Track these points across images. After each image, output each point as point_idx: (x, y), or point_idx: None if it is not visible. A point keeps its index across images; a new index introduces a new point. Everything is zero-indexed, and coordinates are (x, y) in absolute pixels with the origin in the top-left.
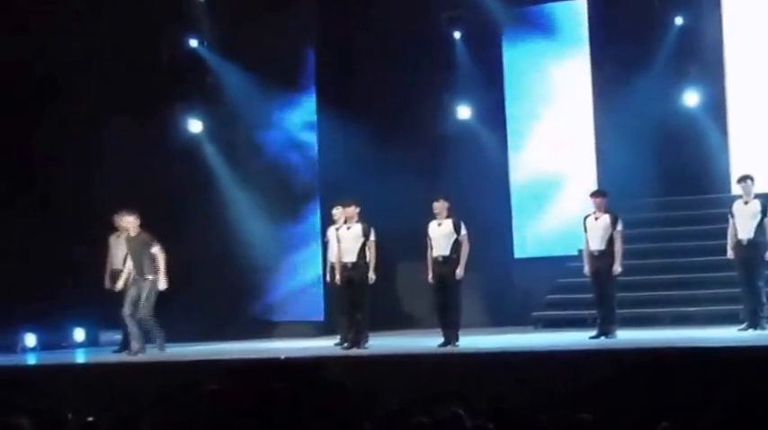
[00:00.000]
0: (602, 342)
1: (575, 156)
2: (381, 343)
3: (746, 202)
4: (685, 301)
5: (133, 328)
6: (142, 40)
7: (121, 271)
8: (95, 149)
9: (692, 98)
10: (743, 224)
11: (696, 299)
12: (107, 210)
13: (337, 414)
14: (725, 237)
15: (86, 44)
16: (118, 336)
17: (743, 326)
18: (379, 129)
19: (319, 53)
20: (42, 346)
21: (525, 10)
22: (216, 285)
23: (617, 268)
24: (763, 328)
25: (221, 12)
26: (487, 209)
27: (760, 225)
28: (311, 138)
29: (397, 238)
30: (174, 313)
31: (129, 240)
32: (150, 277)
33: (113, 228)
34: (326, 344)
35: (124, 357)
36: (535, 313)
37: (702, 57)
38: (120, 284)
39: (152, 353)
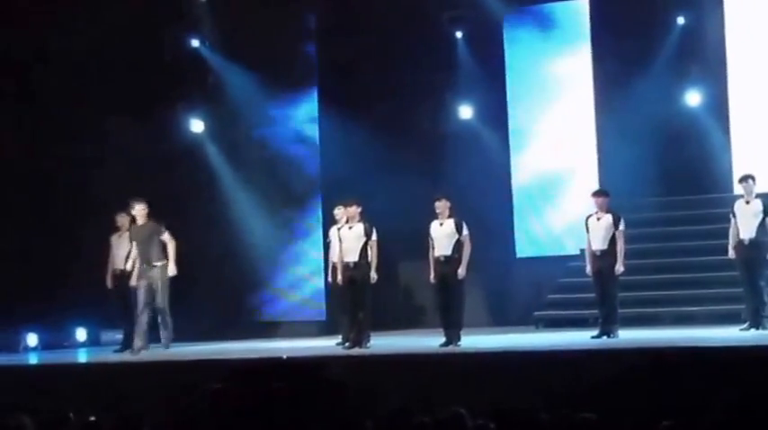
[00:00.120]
0: (604, 341)
1: (576, 155)
2: (383, 342)
3: (748, 202)
4: (687, 301)
5: (141, 326)
6: (144, 39)
7: (123, 270)
8: (97, 149)
9: (693, 98)
10: (744, 224)
11: (698, 298)
12: (109, 209)
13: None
14: (726, 236)
15: (87, 43)
16: (119, 336)
17: (745, 325)
18: (381, 129)
19: (321, 53)
20: (44, 346)
21: (527, 9)
22: (217, 285)
23: (619, 268)
24: (764, 328)
25: (222, 11)
26: (489, 208)
27: (761, 224)
28: (313, 137)
29: (399, 238)
30: (176, 313)
31: (137, 229)
32: (159, 264)
33: (115, 228)
34: (328, 344)
35: (126, 357)
36: (537, 313)
37: (704, 56)
38: (133, 280)
39: (153, 353)
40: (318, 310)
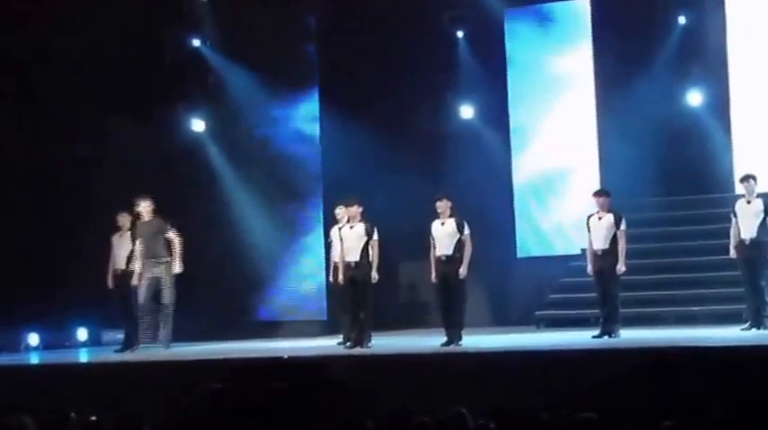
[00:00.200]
0: (605, 341)
1: (577, 155)
2: (384, 342)
3: (749, 202)
4: (688, 301)
5: (150, 319)
6: (144, 39)
7: (124, 270)
8: (98, 149)
9: (695, 98)
10: (746, 223)
11: (699, 298)
12: (110, 209)
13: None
14: (728, 236)
15: (88, 43)
16: (120, 336)
17: (746, 325)
18: (382, 129)
19: (322, 53)
20: (45, 346)
21: (528, 9)
22: (219, 285)
23: (621, 268)
24: (765, 328)
25: (223, 11)
26: (490, 208)
27: (763, 224)
28: (314, 137)
29: (400, 238)
30: (177, 312)
31: (142, 225)
32: (164, 260)
33: (116, 228)
34: (329, 344)
35: (127, 356)
36: (538, 312)
37: (705, 56)
38: (134, 280)
39: (154, 353)
40: (319, 310)
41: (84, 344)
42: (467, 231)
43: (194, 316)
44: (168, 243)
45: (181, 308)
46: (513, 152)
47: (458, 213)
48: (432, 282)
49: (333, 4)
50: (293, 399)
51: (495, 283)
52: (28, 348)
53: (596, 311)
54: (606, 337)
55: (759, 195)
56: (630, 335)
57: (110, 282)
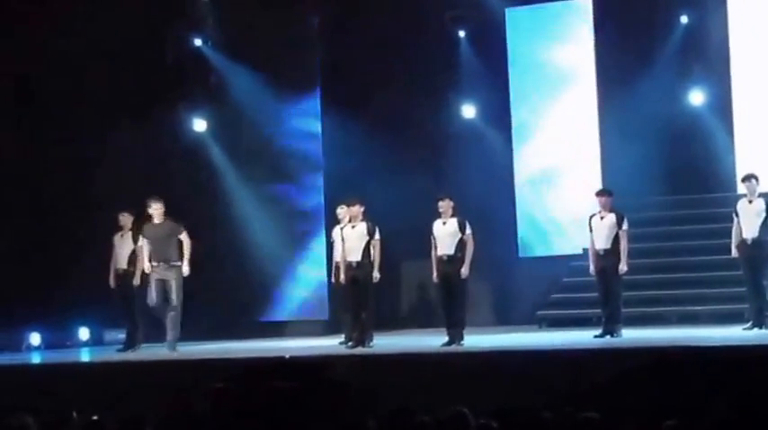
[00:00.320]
0: (607, 341)
1: (579, 154)
2: (386, 342)
3: (751, 201)
4: (690, 300)
5: (168, 318)
6: (146, 38)
7: (126, 270)
8: (100, 148)
9: (697, 97)
10: (747, 223)
11: (701, 298)
12: (111, 209)
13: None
14: (730, 236)
15: (89, 43)
16: (122, 335)
17: (748, 325)
18: (384, 129)
19: (323, 52)
20: (47, 345)
21: (529, 8)
22: (220, 284)
23: (623, 267)
24: (767, 327)
25: (225, 10)
26: (492, 208)
27: (764, 224)
28: (316, 137)
29: (402, 237)
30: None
31: (154, 227)
32: (176, 264)
33: (118, 227)
34: (331, 343)
35: (129, 356)
36: (540, 312)
37: (708, 55)
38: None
39: (157, 353)
40: (321, 310)
41: (85, 344)
42: (468, 231)
43: (196, 315)
44: (180, 245)
45: (183, 307)
46: (514, 151)
47: (459, 213)
48: (433, 281)
49: (334, 4)
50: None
51: (496, 283)
52: (29, 348)
53: (598, 311)
54: (608, 337)
55: (761, 195)
56: (632, 335)
57: (111, 282)
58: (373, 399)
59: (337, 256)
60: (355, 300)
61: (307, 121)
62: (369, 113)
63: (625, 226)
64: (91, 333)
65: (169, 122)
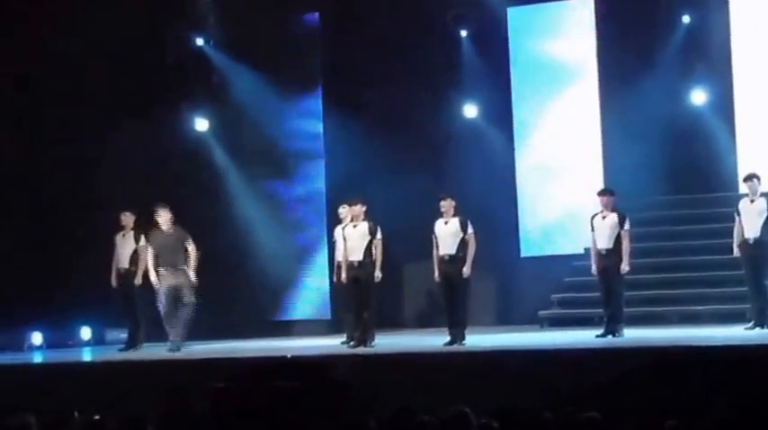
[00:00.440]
0: (609, 340)
1: (581, 154)
2: (387, 341)
3: (753, 201)
4: (692, 300)
5: (179, 320)
6: (147, 38)
7: (127, 269)
8: (101, 148)
9: (699, 96)
10: (749, 222)
11: (703, 297)
12: (113, 209)
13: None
14: (731, 235)
15: (90, 42)
16: (123, 335)
17: (749, 324)
18: (385, 128)
19: (325, 52)
20: (49, 345)
21: (531, 7)
22: (222, 284)
23: (625, 267)
24: None
25: (227, 10)
26: (493, 207)
27: (766, 223)
28: (317, 136)
29: (404, 237)
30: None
31: (161, 235)
32: (184, 268)
33: (119, 227)
34: (333, 343)
35: (130, 355)
36: (542, 312)
37: (709, 55)
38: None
39: (158, 352)
40: (323, 309)
41: (87, 344)
42: (470, 230)
43: (197, 315)
44: (186, 254)
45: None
46: (516, 151)
47: (461, 212)
48: (435, 281)
49: (336, 4)
50: (296, 399)
51: (498, 283)
52: (31, 347)
53: (600, 311)
54: (610, 337)
55: (763, 194)
56: (634, 335)
57: (113, 282)
58: (375, 399)
59: (339, 256)
60: (357, 299)
61: (308, 121)
62: (370, 113)
63: (627, 225)
64: (92, 332)
65: (170, 122)
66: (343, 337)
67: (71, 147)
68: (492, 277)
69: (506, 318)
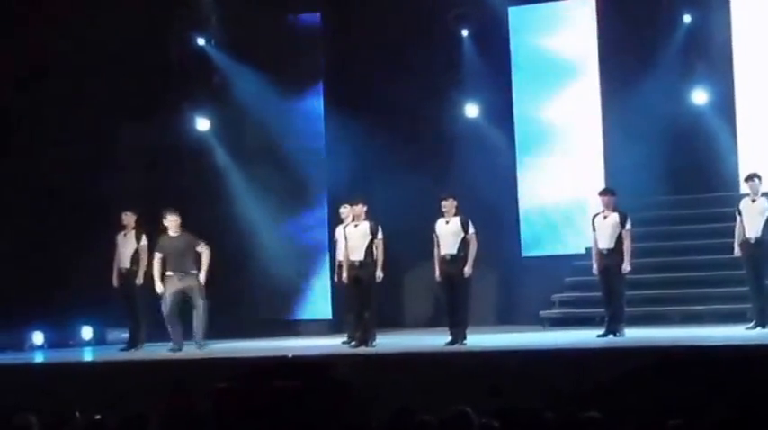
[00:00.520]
0: (610, 340)
1: (583, 154)
2: (389, 341)
3: (754, 200)
4: (694, 300)
5: (176, 328)
6: (148, 38)
7: (129, 269)
8: (103, 148)
9: (700, 96)
10: (750, 222)
11: (704, 297)
12: (114, 209)
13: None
14: (733, 235)
15: (92, 42)
16: (125, 335)
17: (751, 324)
18: (387, 128)
19: (326, 51)
20: (50, 345)
21: (532, 7)
22: (223, 283)
23: (626, 267)
24: None
25: (228, 10)
26: (495, 207)
27: (767, 223)
28: (319, 136)
29: (405, 237)
30: (183, 312)
31: (170, 239)
32: (194, 272)
33: (121, 227)
34: (334, 343)
35: (132, 355)
36: (543, 312)
37: (711, 54)
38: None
39: (159, 352)
40: (324, 309)
41: (88, 343)
42: (471, 230)
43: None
44: (197, 256)
45: (187, 307)
46: (517, 150)
47: (462, 212)
48: (436, 280)
49: (337, 4)
50: (297, 399)
51: (499, 282)
52: (32, 347)
53: (601, 310)
54: (611, 336)
55: (764, 194)
56: (635, 335)
57: (114, 281)
58: (376, 399)
59: (340, 256)
60: (358, 299)
61: (309, 121)
62: (371, 113)
63: (628, 225)
64: (94, 332)
65: (172, 122)
66: (345, 337)
67: (72, 147)
68: (493, 277)
69: (507, 317)
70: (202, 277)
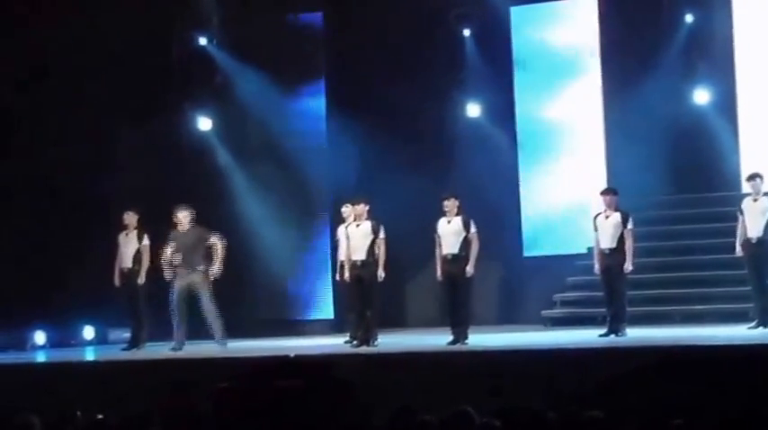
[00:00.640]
0: (612, 340)
1: (584, 153)
2: (390, 341)
3: (755, 200)
4: (695, 299)
5: (181, 322)
6: (150, 38)
7: (130, 269)
8: (104, 148)
9: (701, 96)
10: (752, 222)
11: (706, 297)
12: (116, 208)
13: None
14: (734, 234)
15: (93, 42)
16: (126, 334)
17: (752, 324)
18: (388, 127)
19: (328, 51)
20: (52, 344)
21: (534, 6)
22: (225, 283)
23: (628, 266)
24: None
25: (230, 9)
26: (496, 207)
27: None
28: (320, 135)
29: (407, 236)
30: (191, 313)
31: (182, 235)
32: (201, 268)
33: (122, 227)
34: (336, 342)
35: (134, 355)
36: (545, 311)
37: (712, 54)
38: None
39: (161, 351)
40: (326, 309)
41: (90, 343)
42: (473, 229)
43: (201, 315)
44: (207, 251)
45: (190, 307)
46: (519, 150)
47: (464, 212)
48: (438, 280)
49: (338, 3)
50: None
51: (501, 282)
52: (34, 347)
53: (603, 310)
54: (613, 336)
55: (766, 193)
56: (637, 334)
57: (116, 281)
58: (377, 398)
59: (342, 255)
60: (360, 299)
61: (311, 120)
62: (373, 112)
63: (630, 225)
64: (95, 332)
65: (174, 122)
66: (346, 337)
67: (73, 148)
68: (495, 276)
69: (509, 317)
70: (216, 269)
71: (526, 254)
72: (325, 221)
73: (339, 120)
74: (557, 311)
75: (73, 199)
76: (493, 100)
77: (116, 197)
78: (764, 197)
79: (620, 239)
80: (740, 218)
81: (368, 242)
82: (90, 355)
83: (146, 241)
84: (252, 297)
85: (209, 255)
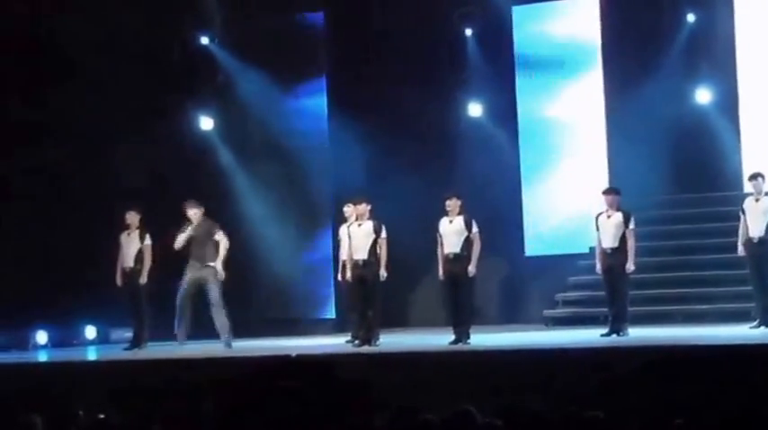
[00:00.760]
0: (614, 339)
1: (586, 153)
2: (392, 340)
3: (757, 200)
4: (697, 299)
5: (184, 320)
6: (152, 37)
7: (132, 268)
8: (106, 147)
9: (703, 95)
10: (754, 221)
11: (708, 296)
12: (118, 208)
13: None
14: (736, 234)
15: (95, 41)
16: (128, 334)
17: (754, 323)
18: (390, 127)
19: (329, 51)
20: (54, 344)
21: (536, 6)
22: (227, 282)
23: (630, 266)
24: None
25: (232, 9)
26: (498, 206)
27: None
28: (322, 135)
29: (409, 236)
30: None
31: (193, 229)
32: (211, 264)
33: (124, 226)
34: (338, 342)
35: (135, 354)
36: (546, 311)
37: (714, 54)
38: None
39: (162, 351)
40: (328, 308)
41: (92, 343)
42: (475, 229)
43: (201, 314)
44: (217, 246)
45: (194, 306)
46: (521, 150)
47: (466, 211)
48: (439, 279)
49: (340, 3)
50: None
51: (503, 282)
52: (36, 346)
53: (605, 310)
54: (615, 336)
55: (767, 193)
56: (639, 334)
57: (118, 281)
58: (380, 398)
59: (344, 255)
60: (362, 298)
61: (313, 120)
62: (375, 112)
63: (632, 224)
64: (97, 331)
65: (176, 121)
66: (348, 336)
67: (75, 147)
68: (497, 276)
69: (511, 317)
70: (219, 266)
71: (528, 253)
72: (327, 221)
73: (341, 119)
74: (558, 311)
75: (74, 198)
76: (495, 99)
77: (118, 197)
78: (766, 197)
79: (622, 239)
80: (742, 217)
81: (370, 242)
82: (92, 355)
83: (148, 241)
84: (253, 296)
85: (217, 250)
